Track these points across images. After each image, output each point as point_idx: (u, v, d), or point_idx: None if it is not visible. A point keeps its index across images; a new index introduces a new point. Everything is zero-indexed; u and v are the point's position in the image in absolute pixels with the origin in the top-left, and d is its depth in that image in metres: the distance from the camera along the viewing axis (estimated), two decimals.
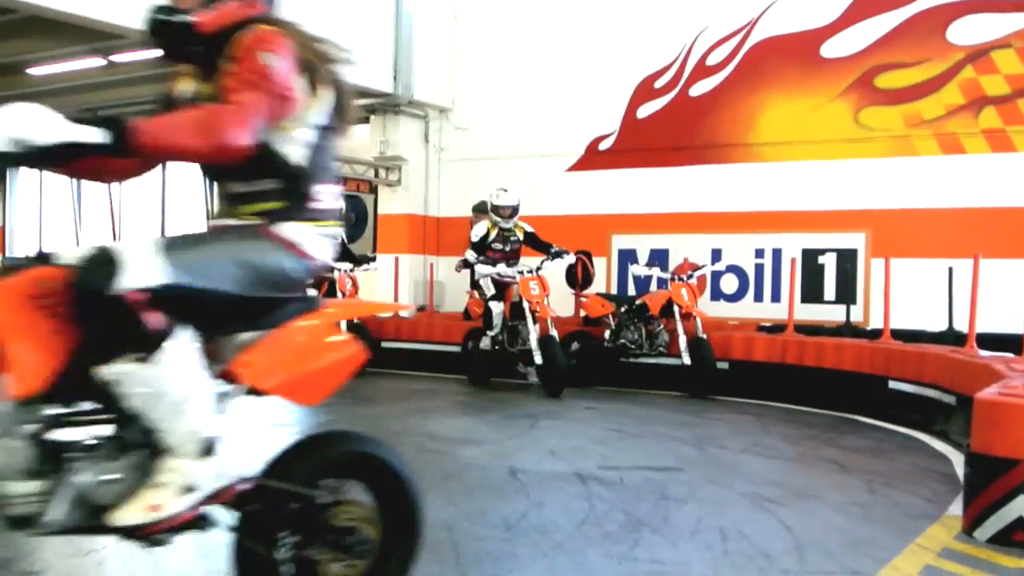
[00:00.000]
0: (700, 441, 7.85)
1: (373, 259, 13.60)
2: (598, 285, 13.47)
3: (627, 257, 13.77)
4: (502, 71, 15.05)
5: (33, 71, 17.57)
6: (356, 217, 17.08)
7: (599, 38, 14.21)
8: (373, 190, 15.31)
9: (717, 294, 13.20)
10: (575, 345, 11.93)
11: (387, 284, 14.34)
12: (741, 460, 7.04)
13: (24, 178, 23.03)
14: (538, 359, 10.59)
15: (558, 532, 4.85)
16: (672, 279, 11.44)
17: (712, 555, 4.51)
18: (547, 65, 14.63)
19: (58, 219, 22.19)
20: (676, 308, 11.11)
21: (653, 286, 12.98)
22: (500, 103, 15.02)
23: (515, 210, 11.40)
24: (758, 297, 12.96)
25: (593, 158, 14.22)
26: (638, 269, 12.68)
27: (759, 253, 12.96)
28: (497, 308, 11.29)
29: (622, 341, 11.58)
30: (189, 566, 4.25)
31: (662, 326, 11.40)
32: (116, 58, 16.33)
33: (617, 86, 14.02)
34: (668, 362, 11.38)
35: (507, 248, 11.52)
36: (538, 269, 10.98)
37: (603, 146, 14.17)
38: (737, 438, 8.07)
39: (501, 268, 11.10)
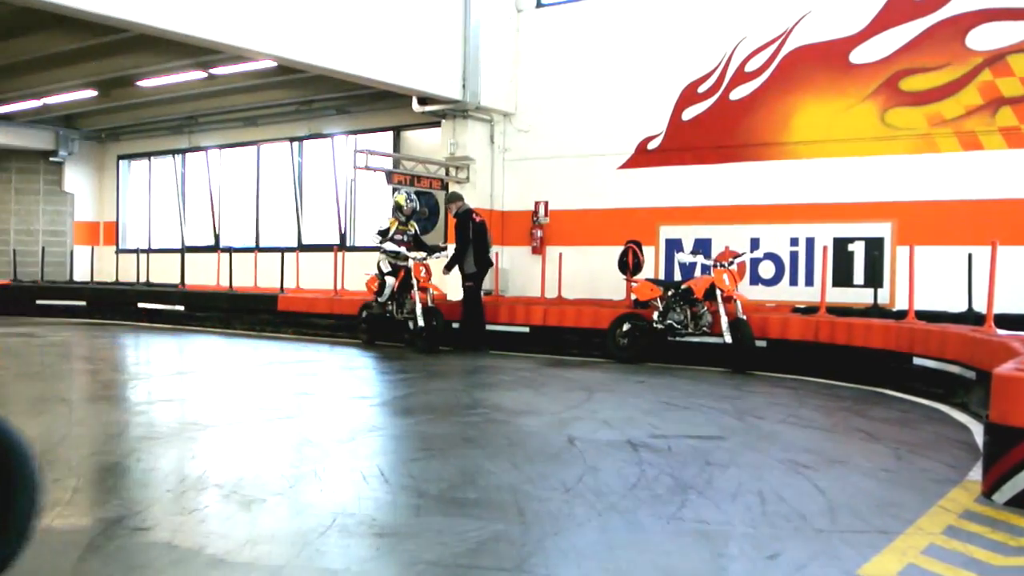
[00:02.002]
0: (741, 412, 7.80)
1: (444, 249, 13.69)
2: (647, 271, 13.42)
3: (673, 246, 13.70)
4: (560, 79, 15.02)
5: (142, 83, 17.86)
6: (429, 211, 17.16)
7: (647, 48, 14.13)
8: (444, 187, 15.35)
9: (755, 279, 13.08)
10: (626, 326, 11.91)
11: (456, 272, 14.39)
12: (778, 430, 6.98)
13: (135, 175, 23.47)
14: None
15: (612, 494, 4.85)
16: (715, 265, 11.37)
17: (752, 515, 4.50)
18: (600, 73, 14.58)
19: (165, 214, 22.57)
20: (718, 292, 11.05)
21: (697, 272, 12.91)
22: (558, 108, 15.00)
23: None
24: (793, 281, 12.82)
25: (642, 157, 14.15)
26: (683, 256, 12.62)
27: (794, 241, 12.82)
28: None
29: (669, 322, 11.53)
30: (280, 525, 4.32)
31: (706, 308, 11.33)
32: (215, 71, 16.55)
33: (664, 91, 13.93)
34: (711, 340, 11.33)
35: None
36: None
37: (651, 146, 14.09)
38: (774, 410, 8.01)
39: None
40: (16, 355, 12.02)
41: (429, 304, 13.07)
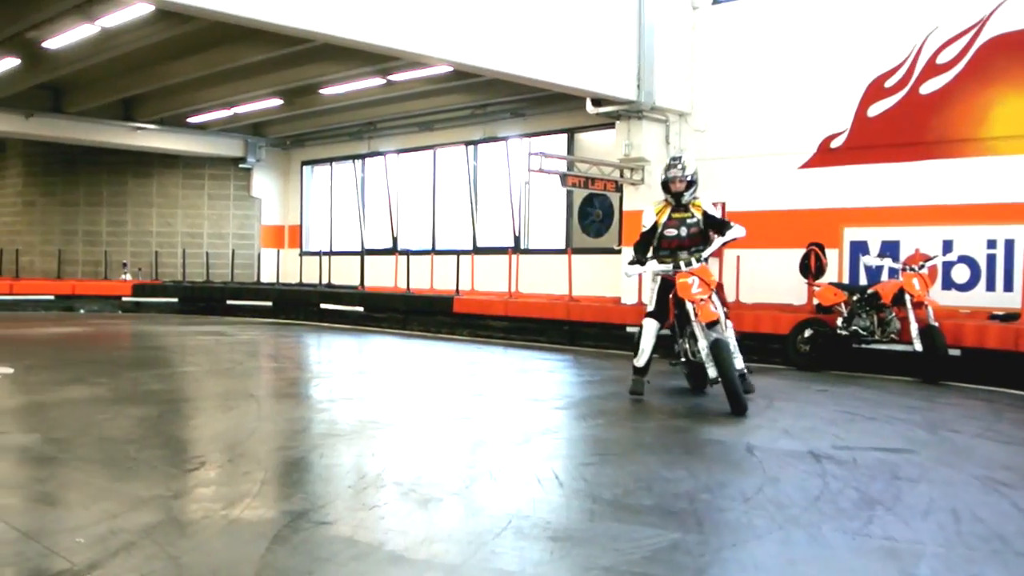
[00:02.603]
0: (932, 425, 7.44)
1: (618, 252, 13.61)
2: (830, 275, 12.97)
3: (858, 248, 13.18)
4: (737, 76, 14.72)
5: (325, 91, 18.60)
6: (603, 213, 17.15)
7: (829, 43, 13.66)
8: (619, 188, 15.30)
9: (948, 283, 12.44)
10: (808, 331, 11.56)
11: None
12: (974, 444, 6.62)
13: (317, 180, 24.45)
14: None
15: (793, 506, 4.72)
16: (903, 269, 10.88)
17: (945, 535, 4.28)
18: (779, 69, 14.20)
19: (346, 218, 23.41)
20: (907, 297, 10.56)
21: (884, 276, 12.36)
22: (736, 106, 14.70)
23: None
24: (990, 286, 12.11)
25: (825, 155, 13.68)
26: (869, 260, 12.11)
27: (991, 244, 12.11)
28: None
29: (854, 328, 11.11)
30: (456, 524, 4.40)
31: (893, 314, 10.85)
32: (394, 77, 17.05)
33: (847, 87, 13.43)
34: (899, 348, 10.83)
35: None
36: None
37: (835, 144, 13.61)
38: (969, 423, 7.60)
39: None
40: (208, 352, 12.72)
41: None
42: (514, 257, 17.21)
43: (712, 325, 7.92)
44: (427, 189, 21.05)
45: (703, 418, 7.56)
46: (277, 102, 19.87)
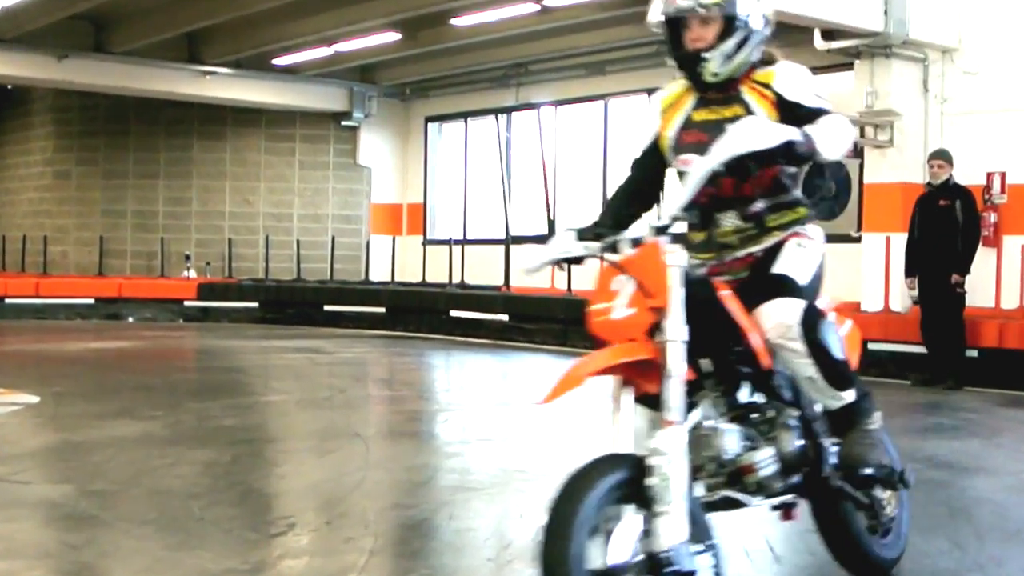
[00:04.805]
0: None
1: (857, 239, 13.30)
2: None
3: None
4: None
5: (457, 21, 18.73)
6: (837, 187, 16.72)
7: None
8: (859, 153, 14.91)
9: None
10: None
11: (876, 270, 13.98)
12: None
13: (446, 142, 24.69)
14: None
15: None
16: None
17: None
18: None
19: (484, 193, 23.53)
20: None
21: None
22: None
23: None
24: None
25: None
26: None
27: None
28: None
29: None
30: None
31: None
32: (550, 2, 17.03)
33: None
34: None
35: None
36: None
37: None
38: None
39: None
40: (299, 376, 12.99)
41: None
42: None
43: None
44: (595, 153, 20.99)
45: (976, 470, 7.41)
46: (394, 36, 20.09)
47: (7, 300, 21.98)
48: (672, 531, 3.47)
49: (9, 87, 26.40)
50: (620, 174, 4.83)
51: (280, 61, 22.11)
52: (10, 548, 5.27)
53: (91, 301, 22.45)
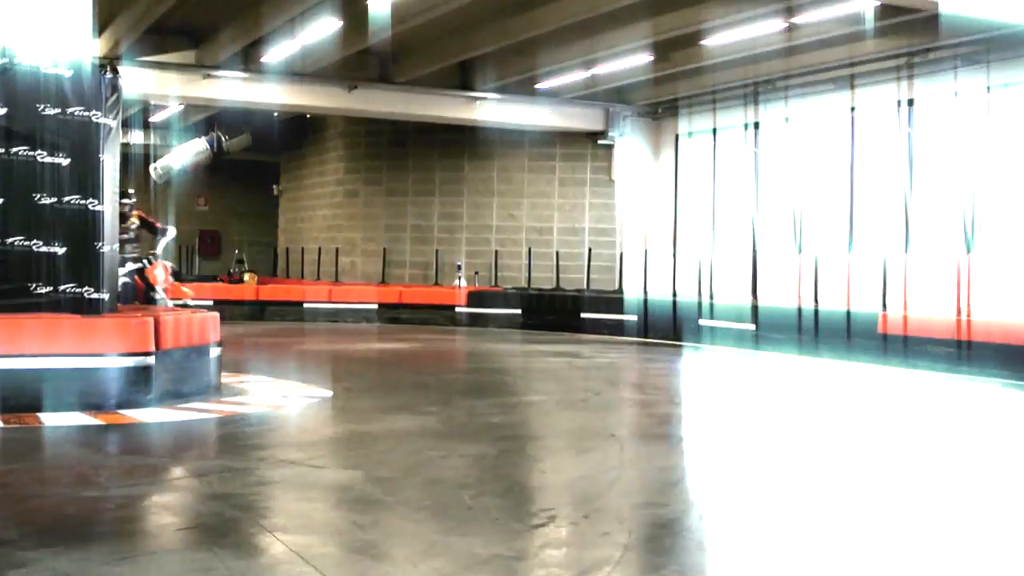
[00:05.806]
0: None
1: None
2: None
3: None
4: None
5: (708, 42, 18.61)
6: None
7: None
8: None
9: None
10: None
11: None
12: None
13: (695, 157, 24.53)
14: None
15: None
16: None
17: None
18: None
19: (730, 207, 23.27)
20: None
21: None
22: None
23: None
24: None
25: None
26: None
27: None
28: None
29: None
30: None
31: None
32: (799, 19, 16.75)
33: None
34: None
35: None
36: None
37: None
38: None
39: None
40: (558, 379, 13.18)
41: None
42: (966, 258, 16.37)
43: None
44: (841, 165, 20.50)
45: None
46: (646, 58, 20.13)
47: (306, 304, 23.79)
48: None
49: (307, 116, 27.79)
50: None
51: (543, 85, 22.45)
52: (307, 525, 5.65)
53: (375, 306, 23.66)
